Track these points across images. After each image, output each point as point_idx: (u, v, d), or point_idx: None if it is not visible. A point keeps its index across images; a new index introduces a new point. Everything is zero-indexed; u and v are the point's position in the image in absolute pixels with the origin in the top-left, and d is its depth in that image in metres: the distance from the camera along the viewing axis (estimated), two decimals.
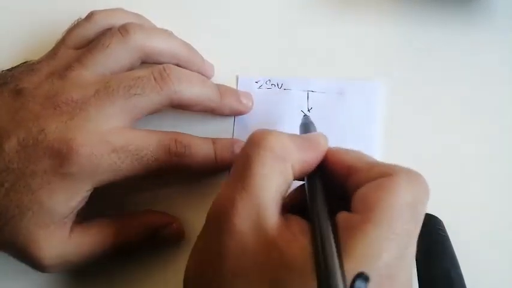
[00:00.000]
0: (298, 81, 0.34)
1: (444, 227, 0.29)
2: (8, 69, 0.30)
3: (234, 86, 0.34)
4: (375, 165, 0.23)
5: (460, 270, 0.26)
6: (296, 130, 0.32)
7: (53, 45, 0.31)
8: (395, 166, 0.22)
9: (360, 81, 0.33)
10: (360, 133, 0.32)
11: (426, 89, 0.33)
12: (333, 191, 0.24)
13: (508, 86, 0.32)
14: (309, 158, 0.24)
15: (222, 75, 0.34)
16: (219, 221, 0.22)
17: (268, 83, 0.34)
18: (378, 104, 0.33)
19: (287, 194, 0.24)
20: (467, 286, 0.25)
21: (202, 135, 0.31)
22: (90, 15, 0.31)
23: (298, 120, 0.33)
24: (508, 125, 0.31)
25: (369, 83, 0.33)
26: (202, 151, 0.30)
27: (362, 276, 0.18)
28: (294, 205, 0.24)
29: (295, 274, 0.20)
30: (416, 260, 0.27)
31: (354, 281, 0.18)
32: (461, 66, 0.33)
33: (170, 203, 0.32)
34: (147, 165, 0.28)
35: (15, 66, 0.30)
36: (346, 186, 0.23)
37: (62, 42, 0.31)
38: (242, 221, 0.21)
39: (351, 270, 0.19)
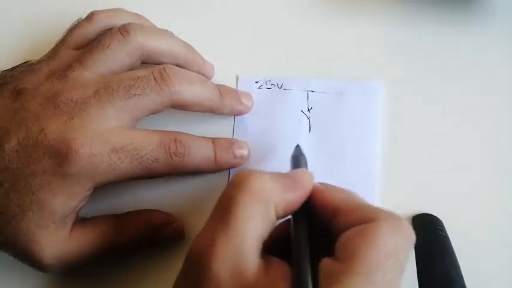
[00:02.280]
0: (298, 81, 0.34)
1: (444, 227, 0.29)
2: (8, 70, 0.30)
3: (234, 86, 0.34)
4: (358, 207, 0.22)
5: (460, 270, 0.26)
6: (295, 130, 0.33)
7: (53, 45, 0.31)
8: (378, 211, 0.22)
9: (360, 81, 0.33)
10: (360, 133, 0.32)
11: (426, 89, 0.33)
12: (319, 229, 0.23)
13: (508, 85, 0.32)
14: (293, 198, 0.23)
15: (222, 75, 0.34)
16: (197, 264, 0.21)
17: (268, 83, 0.34)
18: (378, 104, 0.33)
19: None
20: (467, 286, 0.25)
21: (202, 135, 0.31)
22: (91, 15, 0.31)
23: (298, 121, 0.33)
24: (509, 124, 0.31)
25: (369, 83, 0.33)
26: (202, 151, 0.30)
27: None
28: (275, 242, 0.23)
29: None
30: (416, 260, 0.27)
31: None
32: (461, 66, 0.33)
33: (170, 203, 0.32)
34: (147, 165, 0.28)
35: (15, 66, 0.30)
36: (331, 227, 0.23)
37: (62, 42, 0.31)
38: (221, 266, 0.20)
39: None
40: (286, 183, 0.23)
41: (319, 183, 0.25)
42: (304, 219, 0.23)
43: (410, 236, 0.21)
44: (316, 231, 0.23)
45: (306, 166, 0.27)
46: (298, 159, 0.28)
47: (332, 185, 0.25)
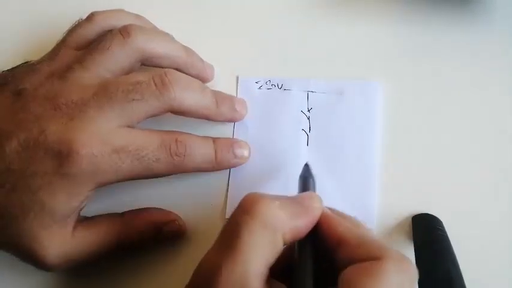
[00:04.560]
0: (298, 82, 0.34)
1: (444, 227, 0.29)
2: (8, 70, 0.30)
3: (234, 86, 0.34)
4: (364, 242, 0.22)
5: (460, 270, 0.26)
6: (295, 130, 0.33)
7: (53, 45, 0.31)
8: (384, 249, 0.21)
9: (359, 81, 0.33)
10: (360, 133, 0.32)
11: (426, 88, 0.33)
12: (324, 256, 0.23)
13: (508, 85, 0.32)
14: (301, 225, 0.23)
15: (222, 76, 0.34)
16: (203, 286, 0.21)
17: (268, 83, 0.34)
18: (378, 104, 0.33)
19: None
20: (467, 286, 0.26)
21: (202, 134, 0.31)
22: (91, 16, 0.31)
23: (298, 121, 0.33)
24: (509, 124, 0.32)
25: (369, 83, 0.33)
26: (202, 151, 0.30)
27: None
28: (280, 266, 0.23)
29: None
30: (416, 260, 0.27)
31: None
32: (461, 66, 0.33)
33: (171, 203, 0.32)
34: (148, 165, 0.28)
35: (15, 67, 0.30)
36: (335, 257, 0.23)
37: (62, 42, 0.31)
38: None
39: None
40: (295, 210, 0.23)
41: (327, 207, 0.25)
42: (309, 247, 0.23)
43: (415, 276, 0.21)
44: (321, 257, 0.23)
45: (314, 188, 0.27)
46: (306, 181, 0.27)
47: (339, 212, 0.25)
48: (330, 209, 0.25)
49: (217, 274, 0.21)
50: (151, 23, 0.34)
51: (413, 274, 0.21)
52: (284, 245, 0.23)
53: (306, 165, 0.28)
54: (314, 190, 0.27)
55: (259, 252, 0.21)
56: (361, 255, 0.21)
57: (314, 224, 0.23)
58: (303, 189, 0.27)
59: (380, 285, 0.20)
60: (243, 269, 0.21)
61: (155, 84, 0.28)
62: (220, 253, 0.21)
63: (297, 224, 0.23)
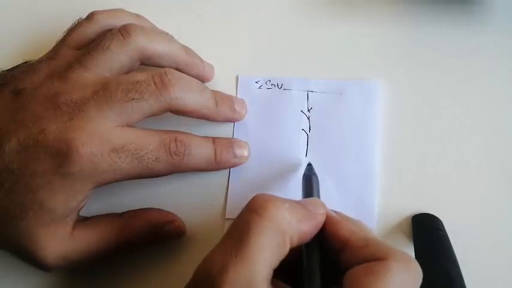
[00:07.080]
0: (298, 82, 0.34)
1: (444, 227, 0.29)
2: (8, 70, 0.30)
3: (234, 86, 0.34)
4: (369, 243, 0.22)
5: (460, 270, 0.26)
6: (295, 130, 0.33)
7: (53, 45, 0.31)
8: (388, 249, 0.21)
9: (359, 81, 0.33)
10: (360, 133, 0.32)
11: (426, 89, 0.33)
12: (329, 257, 0.24)
13: (508, 85, 0.32)
14: (307, 230, 0.23)
15: (222, 75, 0.34)
16: (206, 284, 0.21)
17: (268, 83, 0.34)
18: (378, 104, 0.33)
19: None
20: (467, 286, 0.26)
21: (202, 134, 0.31)
22: (91, 16, 0.31)
23: (298, 121, 0.33)
24: (509, 125, 0.32)
25: (369, 83, 0.33)
26: (202, 150, 0.30)
27: None
28: (283, 267, 0.23)
29: None
30: (416, 260, 0.27)
31: None
32: (461, 66, 0.33)
33: (170, 202, 0.32)
34: (147, 164, 0.28)
35: (15, 66, 0.30)
36: (340, 259, 0.23)
37: (62, 42, 0.31)
38: None
39: None
40: (303, 214, 0.23)
41: (333, 210, 0.25)
42: (316, 250, 0.24)
43: (419, 275, 0.21)
44: (327, 259, 0.23)
45: (317, 186, 0.28)
46: (310, 179, 0.28)
47: (343, 214, 0.25)
48: (336, 212, 0.25)
49: (224, 275, 0.20)
50: (151, 23, 0.34)
51: (417, 274, 0.21)
52: (290, 247, 0.23)
53: (309, 165, 0.30)
54: (317, 188, 0.27)
55: (266, 254, 0.21)
56: (366, 255, 0.21)
57: (319, 229, 0.24)
58: (306, 187, 0.27)
59: (384, 284, 0.20)
60: (250, 271, 0.20)
61: (155, 84, 0.28)
62: (227, 253, 0.21)
63: (303, 228, 0.23)
